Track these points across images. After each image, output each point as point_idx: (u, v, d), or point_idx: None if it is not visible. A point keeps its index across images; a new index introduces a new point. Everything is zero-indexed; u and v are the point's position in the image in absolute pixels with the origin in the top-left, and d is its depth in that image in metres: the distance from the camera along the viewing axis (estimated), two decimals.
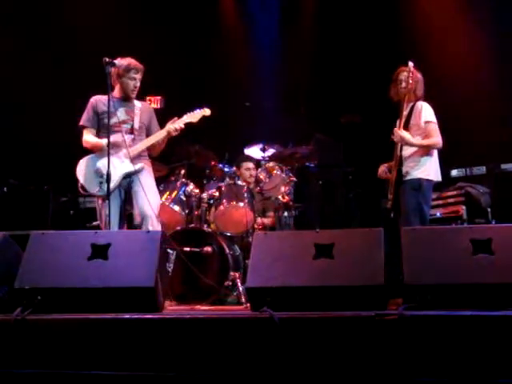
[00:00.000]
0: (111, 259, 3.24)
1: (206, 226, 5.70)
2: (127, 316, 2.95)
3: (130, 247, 3.31)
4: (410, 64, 4.75)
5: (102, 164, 4.59)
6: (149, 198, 4.59)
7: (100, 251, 3.26)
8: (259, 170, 6.10)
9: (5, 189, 6.83)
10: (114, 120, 4.68)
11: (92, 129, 4.79)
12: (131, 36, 7.41)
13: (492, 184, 6.01)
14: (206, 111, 4.95)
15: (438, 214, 5.92)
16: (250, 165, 6.36)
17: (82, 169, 4.72)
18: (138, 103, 4.89)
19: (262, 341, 2.76)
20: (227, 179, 5.88)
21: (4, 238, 3.50)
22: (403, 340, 2.63)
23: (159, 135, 4.77)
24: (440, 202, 5.99)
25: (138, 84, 4.80)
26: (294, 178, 6.08)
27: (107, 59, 4.46)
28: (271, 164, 6.07)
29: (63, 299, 3.14)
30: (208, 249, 5.43)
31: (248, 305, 3.83)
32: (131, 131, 4.77)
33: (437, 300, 2.92)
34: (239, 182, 5.80)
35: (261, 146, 6.46)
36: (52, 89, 7.23)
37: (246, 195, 5.66)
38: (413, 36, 7.22)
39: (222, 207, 5.61)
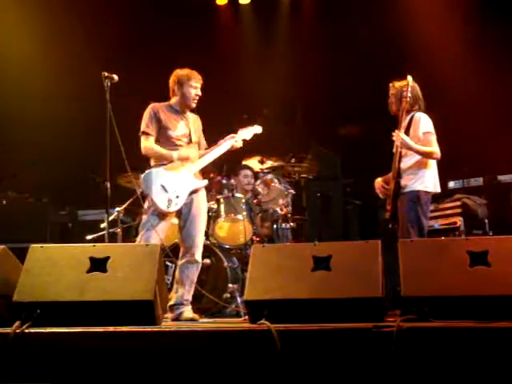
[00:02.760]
0: (110, 272, 3.25)
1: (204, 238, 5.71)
2: (126, 329, 2.95)
3: (129, 260, 3.32)
4: (409, 78, 4.81)
5: (167, 179, 4.50)
6: (202, 228, 4.60)
7: (99, 264, 3.26)
8: (257, 182, 6.12)
9: (4, 201, 6.84)
10: (177, 132, 4.65)
11: (153, 137, 4.62)
12: (131, 49, 7.46)
13: (489, 195, 6.03)
14: (259, 130, 5.01)
15: (436, 226, 5.93)
16: (248, 172, 6.39)
17: (150, 183, 4.51)
18: (190, 115, 4.82)
19: (261, 353, 2.77)
20: (225, 191, 5.90)
21: (3, 251, 3.50)
22: (401, 352, 2.64)
23: (222, 149, 4.72)
24: (437, 213, 6.01)
25: (200, 93, 4.72)
26: (292, 190, 6.10)
27: (106, 74, 4.48)
28: (269, 176, 6.10)
29: (62, 312, 3.14)
30: (206, 261, 5.44)
31: (246, 317, 3.83)
32: (191, 144, 4.70)
33: (434, 312, 2.93)
34: (237, 195, 5.82)
35: (259, 158, 6.49)
36: (54, 101, 7.27)
37: (244, 207, 5.68)
38: (412, 48, 7.26)
39: (220, 219, 5.62)
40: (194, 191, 4.60)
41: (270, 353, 2.74)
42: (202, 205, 4.65)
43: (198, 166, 4.65)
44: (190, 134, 4.70)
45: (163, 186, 4.48)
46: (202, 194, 4.71)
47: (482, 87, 6.82)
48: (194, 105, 4.73)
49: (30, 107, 7.26)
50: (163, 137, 4.62)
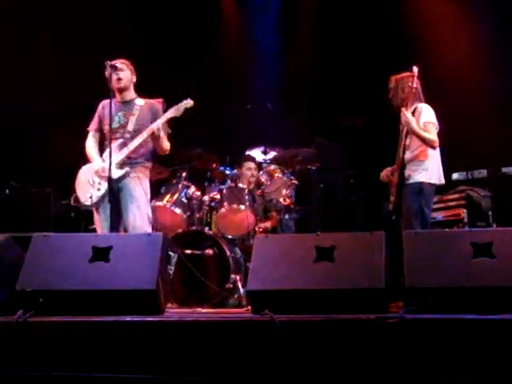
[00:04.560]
0: (112, 262, 3.25)
1: (207, 228, 5.71)
2: (129, 318, 2.95)
3: (132, 250, 3.32)
4: (415, 69, 4.80)
5: (93, 174, 4.61)
6: (133, 213, 4.54)
7: (101, 254, 3.27)
8: (260, 172, 6.11)
9: (7, 191, 6.83)
10: (112, 126, 4.63)
11: (96, 133, 4.80)
12: (131, 37, 7.42)
13: (493, 187, 6.01)
14: (189, 103, 4.82)
15: (440, 218, 5.91)
16: (252, 164, 6.37)
17: (79, 179, 4.70)
18: (140, 102, 4.81)
19: (263, 344, 2.77)
20: (228, 182, 5.90)
21: (6, 240, 3.50)
22: (404, 343, 2.63)
23: (140, 137, 4.64)
24: (441, 205, 5.99)
25: (121, 75, 4.70)
26: (296, 181, 6.09)
27: (109, 62, 4.45)
28: (272, 167, 6.08)
29: (65, 301, 3.14)
30: (209, 251, 5.44)
31: (249, 307, 3.83)
32: (122, 135, 4.68)
33: (438, 303, 2.93)
34: (240, 185, 5.81)
35: (262, 148, 6.48)
36: (53, 91, 7.24)
37: (247, 198, 5.67)
38: (414, 38, 7.23)
39: (223, 210, 5.62)
40: (117, 182, 4.55)
41: (272, 343, 2.74)
42: (128, 199, 4.58)
43: (119, 157, 4.58)
44: (126, 124, 4.69)
45: (89, 181, 4.59)
46: (130, 185, 4.62)
47: (488, 78, 6.79)
48: (117, 86, 4.72)
49: (36, 93, 7.23)
50: (105, 132, 4.70)
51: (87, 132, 4.84)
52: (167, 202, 5.58)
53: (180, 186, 5.75)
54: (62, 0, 7.31)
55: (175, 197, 5.68)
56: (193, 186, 5.81)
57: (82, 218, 6.43)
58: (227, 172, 6.08)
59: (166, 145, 4.82)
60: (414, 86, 4.79)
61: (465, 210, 5.81)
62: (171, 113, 4.78)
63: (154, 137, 4.67)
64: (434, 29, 7.25)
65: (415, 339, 2.65)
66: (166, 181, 5.91)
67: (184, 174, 5.89)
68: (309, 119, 7.58)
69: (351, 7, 7.74)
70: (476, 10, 7.07)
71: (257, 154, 6.59)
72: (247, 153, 6.68)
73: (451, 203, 5.99)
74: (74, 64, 7.09)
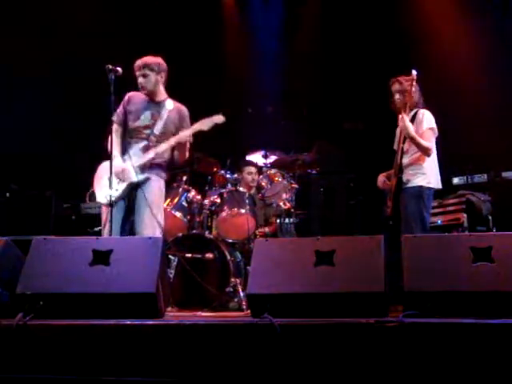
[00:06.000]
0: (113, 265, 3.25)
1: (207, 232, 5.71)
2: (128, 322, 2.96)
3: (132, 253, 3.32)
4: (414, 73, 4.78)
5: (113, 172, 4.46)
6: (145, 219, 4.48)
7: (101, 257, 3.27)
8: (261, 176, 6.12)
9: (7, 194, 6.84)
10: (137, 123, 4.63)
11: (119, 126, 4.64)
12: (131, 41, 7.44)
13: (493, 192, 6.02)
14: (220, 118, 4.73)
15: (439, 222, 5.92)
16: (252, 169, 6.39)
17: (98, 175, 4.62)
18: (169, 105, 4.66)
19: (263, 347, 2.77)
20: (229, 186, 5.90)
21: (6, 244, 3.51)
22: (403, 347, 2.64)
23: (166, 145, 4.58)
24: (441, 209, 6.00)
25: (142, 80, 4.63)
26: (296, 185, 6.10)
27: (110, 66, 4.44)
28: (273, 171, 6.09)
29: (65, 305, 3.15)
30: (209, 255, 5.44)
31: (249, 311, 3.83)
32: (148, 137, 4.60)
33: (437, 307, 2.93)
34: (241, 189, 5.82)
35: (262, 152, 6.49)
36: (53, 92, 7.25)
37: (247, 202, 5.67)
38: (415, 43, 7.25)
39: (223, 213, 5.62)
40: (136, 185, 4.53)
41: (271, 347, 2.74)
42: (143, 200, 4.52)
43: (141, 160, 4.56)
44: (153, 126, 4.61)
45: (108, 179, 4.43)
46: (149, 187, 4.57)
47: (489, 82, 6.79)
48: (143, 91, 4.68)
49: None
50: (127, 127, 4.60)
51: (111, 121, 4.50)
52: (167, 205, 5.57)
53: (180, 189, 5.76)
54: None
55: (175, 200, 5.68)
56: (193, 190, 5.81)
57: (82, 222, 6.44)
58: (228, 176, 6.09)
59: (187, 154, 4.78)
60: (413, 89, 4.78)
61: (465, 215, 5.82)
62: (200, 125, 4.65)
63: (180, 145, 4.62)
64: (436, 32, 7.26)
65: (414, 343, 2.65)
66: (166, 184, 5.91)
67: (184, 178, 5.90)
68: (310, 123, 7.61)
69: (354, 10, 7.75)
70: (478, 12, 7.08)
71: (257, 158, 6.60)
72: (247, 157, 6.70)
73: (451, 207, 6.00)
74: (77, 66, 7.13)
